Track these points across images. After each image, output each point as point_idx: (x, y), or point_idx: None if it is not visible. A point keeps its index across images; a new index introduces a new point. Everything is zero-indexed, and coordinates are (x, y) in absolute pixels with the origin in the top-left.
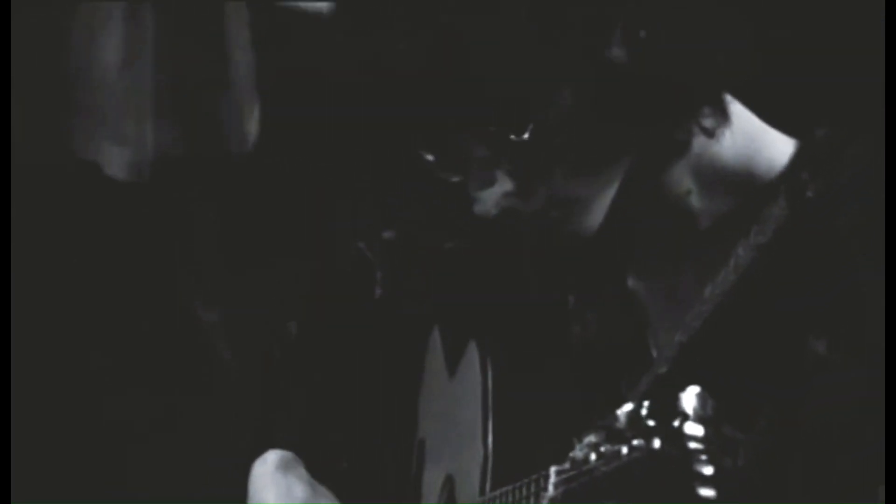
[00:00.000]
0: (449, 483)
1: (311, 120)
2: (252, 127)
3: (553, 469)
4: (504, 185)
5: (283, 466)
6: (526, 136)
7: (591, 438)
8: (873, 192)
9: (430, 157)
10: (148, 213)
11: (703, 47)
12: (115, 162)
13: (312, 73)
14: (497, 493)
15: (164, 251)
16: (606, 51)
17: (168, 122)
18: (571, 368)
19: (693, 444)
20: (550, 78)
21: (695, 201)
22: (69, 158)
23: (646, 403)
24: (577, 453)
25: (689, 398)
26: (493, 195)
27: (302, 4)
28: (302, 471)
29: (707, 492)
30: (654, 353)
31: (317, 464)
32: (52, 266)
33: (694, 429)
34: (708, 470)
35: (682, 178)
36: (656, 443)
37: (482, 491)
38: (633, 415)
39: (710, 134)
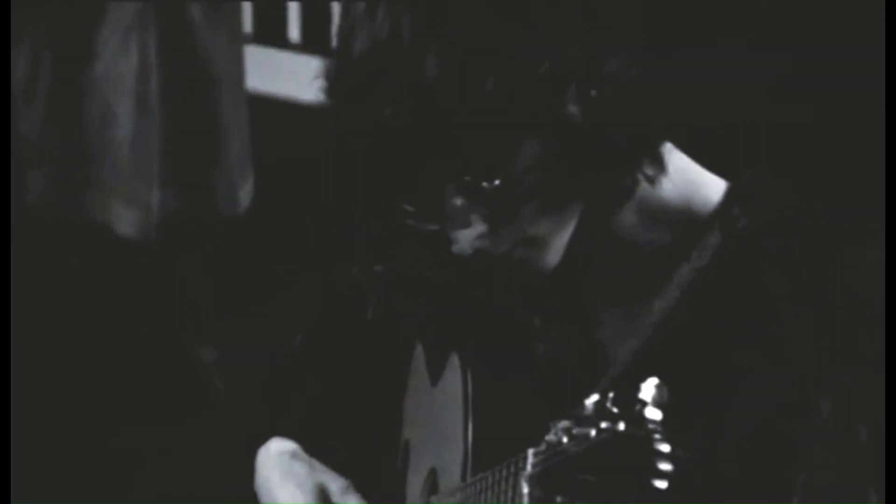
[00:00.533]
0: (432, 475)
1: (301, 179)
2: (245, 195)
3: (530, 451)
4: (478, 227)
5: (284, 450)
6: (497, 182)
7: (564, 423)
8: (793, 224)
9: (409, 209)
10: (154, 267)
11: (644, 107)
12: (126, 223)
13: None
14: (479, 476)
15: (167, 298)
16: (563, 108)
17: (171, 190)
18: (538, 378)
19: (652, 426)
20: (517, 132)
21: (644, 234)
22: (85, 221)
23: (610, 394)
24: (552, 437)
25: (648, 388)
26: (468, 237)
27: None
28: (300, 452)
29: (665, 466)
30: (610, 363)
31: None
32: (73, 311)
33: (653, 413)
34: (665, 448)
35: (631, 216)
36: (621, 426)
37: (463, 478)
38: (600, 404)
39: (651, 180)
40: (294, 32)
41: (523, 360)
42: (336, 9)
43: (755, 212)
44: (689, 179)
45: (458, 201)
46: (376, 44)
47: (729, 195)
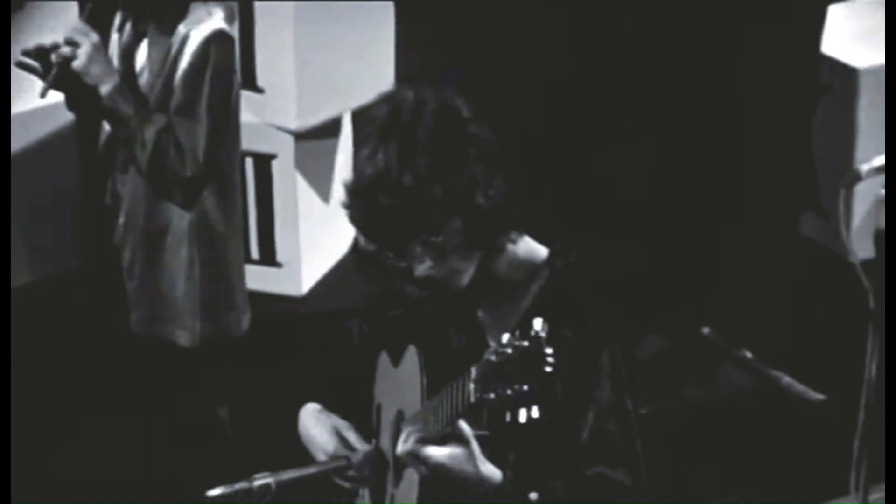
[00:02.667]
0: (400, 413)
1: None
2: (245, 322)
3: (473, 367)
4: (427, 263)
5: (315, 407)
6: (440, 238)
7: (493, 348)
8: (582, 267)
9: (390, 255)
10: (196, 363)
11: (513, 201)
12: (182, 339)
13: None
14: (435, 396)
15: (203, 380)
16: (476, 199)
17: (205, 322)
18: (456, 353)
19: (542, 341)
20: (451, 213)
21: (510, 274)
22: (160, 339)
23: (516, 332)
24: (486, 357)
25: (537, 322)
26: (423, 268)
27: None
28: (323, 408)
29: (550, 359)
30: (492, 344)
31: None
32: (143, 387)
33: (542, 334)
34: (549, 350)
35: (503, 264)
36: (525, 343)
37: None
38: (511, 336)
39: (514, 242)
40: (254, 252)
41: (447, 345)
42: (278, 233)
43: (564, 261)
44: (530, 248)
45: (418, 249)
46: (377, 172)
47: (551, 254)
